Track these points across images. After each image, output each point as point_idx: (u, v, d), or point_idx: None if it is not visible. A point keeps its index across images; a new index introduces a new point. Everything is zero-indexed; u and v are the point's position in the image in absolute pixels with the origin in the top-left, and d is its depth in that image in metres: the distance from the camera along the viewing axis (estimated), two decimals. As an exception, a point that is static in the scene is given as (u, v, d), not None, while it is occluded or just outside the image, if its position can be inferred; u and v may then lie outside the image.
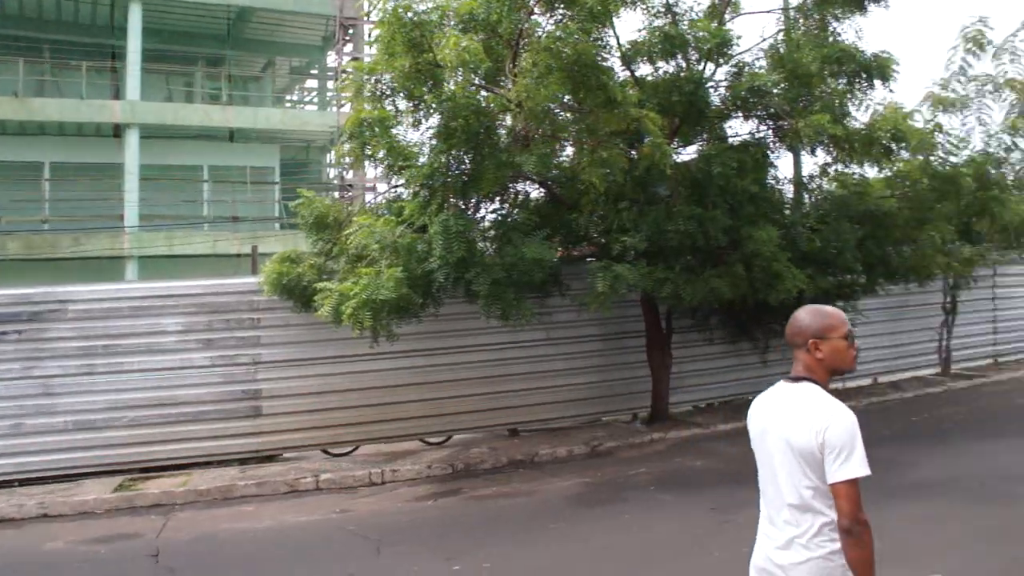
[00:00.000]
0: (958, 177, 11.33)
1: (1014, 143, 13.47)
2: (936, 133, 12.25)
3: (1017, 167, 14.05)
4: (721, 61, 10.82)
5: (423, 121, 9.51)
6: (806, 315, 3.07)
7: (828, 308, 3.13)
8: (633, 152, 9.97)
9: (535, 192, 11.23)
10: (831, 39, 11.20)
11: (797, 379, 3.03)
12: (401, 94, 9.57)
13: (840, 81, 11.11)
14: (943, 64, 14.23)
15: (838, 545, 2.85)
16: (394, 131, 9.34)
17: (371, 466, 9.85)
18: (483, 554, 6.69)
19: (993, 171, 13.08)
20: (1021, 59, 13.86)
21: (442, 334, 10.90)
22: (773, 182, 11.80)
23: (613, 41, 10.49)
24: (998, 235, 13.62)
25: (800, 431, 2.89)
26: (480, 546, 6.94)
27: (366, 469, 9.69)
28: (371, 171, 16.46)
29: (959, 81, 14.16)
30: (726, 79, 11.13)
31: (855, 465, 2.79)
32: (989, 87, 14.00)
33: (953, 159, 12.43)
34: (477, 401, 11.17)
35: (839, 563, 2.85)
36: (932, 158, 12.07)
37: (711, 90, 10.85)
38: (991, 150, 13.12)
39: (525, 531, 7.35)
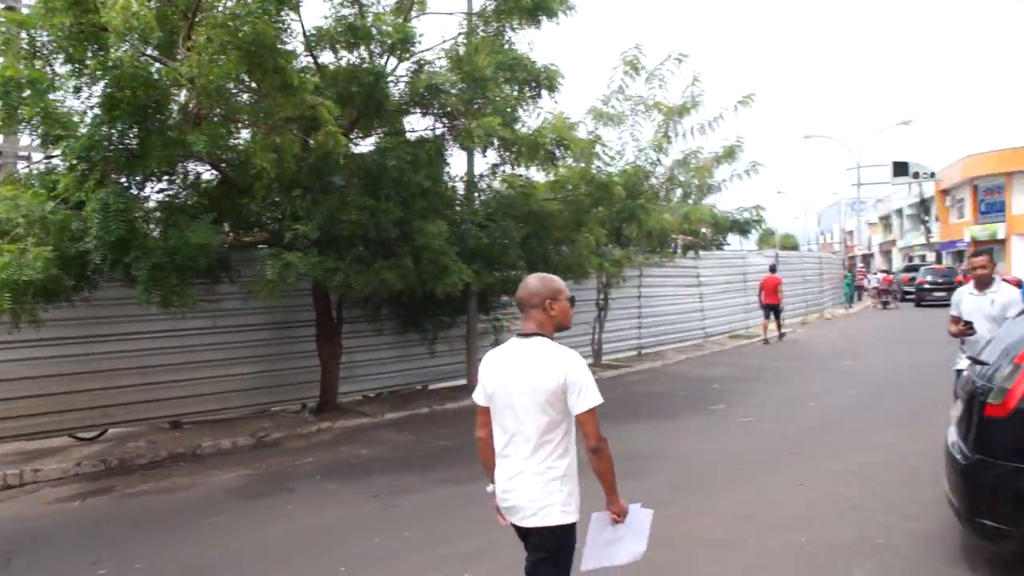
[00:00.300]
0: (612, 185, 12.35)
1: (659, 159, 14.96)
2: (596, 144, 13.30)
3: (661, 179, 15.62)
4: (404, 57, 11.03)
5: (85, 88, 8.79)
6: (538, 281, 3.67)
7: (552, 275, 3.76)
8: (310, 140, 9.90)
9: (207, 173, 10.79)
10: (507, 47, 11.80)
11: (529, 335, 3.61)
12: (61, 56, 8.78)
13: (513, 87, 11.75)
14: (606, 82, 15.38)
15: (560, 471, 3.56)
16: (51, 96, 8.52)
17: (7, 467, 8.95)
18: (134, 554, 6.32)
19: (643, 182, 14.45)
20: (667, 85, 15.35)
21: (97, 320, 10.15)
22: (446, 179, 12.24)
23: (297, 26, 10.35)
24: (644, 240, 15.06)
25: (543, 375, 3.48)
26: (131, 546, 6.54)
27: (1, 470, 8.78)
28: (26, 138, 14.88)
29: (618, 99, 15.35)
30: (407, 75, 11.36)
31: (593, 396, 3.49)
32: (642, 107, 15.39)
33: (609, 169, 13.55)
34: (136, 392, 10.51)
35: (559, 488, 3.55)
36: (591, 166, 13.09)
37: (391, 84, 11.00)
38: (641, 163, 14.46)
39: (183, 527, 7.03)
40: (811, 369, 16.15)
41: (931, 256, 61.28)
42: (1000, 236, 53.81)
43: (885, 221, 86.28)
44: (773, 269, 23.76)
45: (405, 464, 9.14)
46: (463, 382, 14.18)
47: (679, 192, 16.25)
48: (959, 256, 58.51)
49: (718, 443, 9.73)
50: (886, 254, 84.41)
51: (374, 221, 10.04)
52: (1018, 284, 8.08)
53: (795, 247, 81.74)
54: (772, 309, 22.34)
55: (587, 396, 3.48)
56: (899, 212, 77.09)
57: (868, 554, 5.76)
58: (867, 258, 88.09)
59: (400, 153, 10.24)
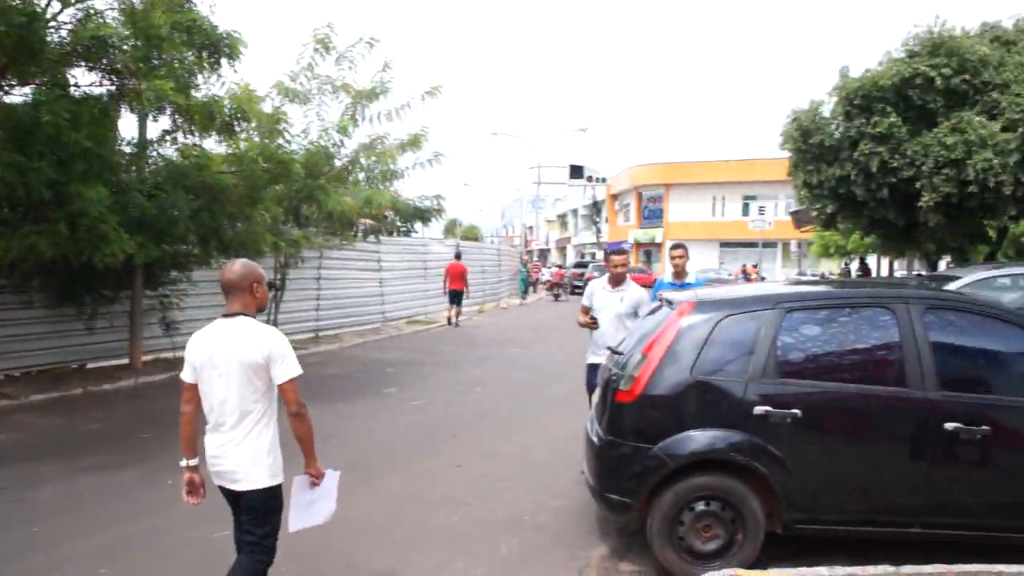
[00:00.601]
0: (290, 163, 12.05)
1: (342, 141, 14.82)
2: (280, 120, 12.93)
3: (344, 162, 15.49)
4: (69, 1, 10.04)
5: None
6: (243, 267, 4.06)
7: (252, 262, 4.16)
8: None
9: None
10: (187, 7, 11.13)
11: (234, 315, 3.99)
12: None
13: (191, 51, 11.08)
14: (296, 59, 14.98)
15: (267, 438, 4.01)
16: None
17: None
18: None
19: (325, 163, 14.25)
20: (357, 68, 15.24)
21: None
22: (113, 141, 11.30)
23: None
24: (325, 222, 14.87)
25: (248, 350, 3.88)
26: None
27: None
28: None
29: (307, 76, 15.05)
30: (72, 22, 10.36)
31: (293, 367, 3.96)
32: (329, 87, 15.20)
33: (292, 146, 13.25)
34: None
35: (266, 453, 4.00)
36: (274, 142, 12.71)
37: (52, 30, 9.99)
38: (324, 144, 14.25)
39: None
40: (483, 355, 16.82)
41: (600, 254, 66.38)
42: (658, 240, 59.50)
43: (562, 219, 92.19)
44: (458, 257, 24.57)
45: (46, 452, 8.32)
46: (125, 361, 13.24)
47: (363, 176, 16.21)
48: (624, 256, 63.64)
49: (387, 426, 9.85)
50: (562, 250, 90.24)
51: (23, 180, 9.04)
52: (652, 283, 8.99)
53: (479, 238, 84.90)
54: (456, 295, 23.31)
55: (288, 367, 3.94)
56: (575, 212, 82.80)
57: (516, 531, 6.11)
58: (544, 253, 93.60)
59: (57, 108, 9.28)
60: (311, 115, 14.85)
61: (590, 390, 7.24)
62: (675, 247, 8.47)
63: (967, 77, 18.26)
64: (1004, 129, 17.21)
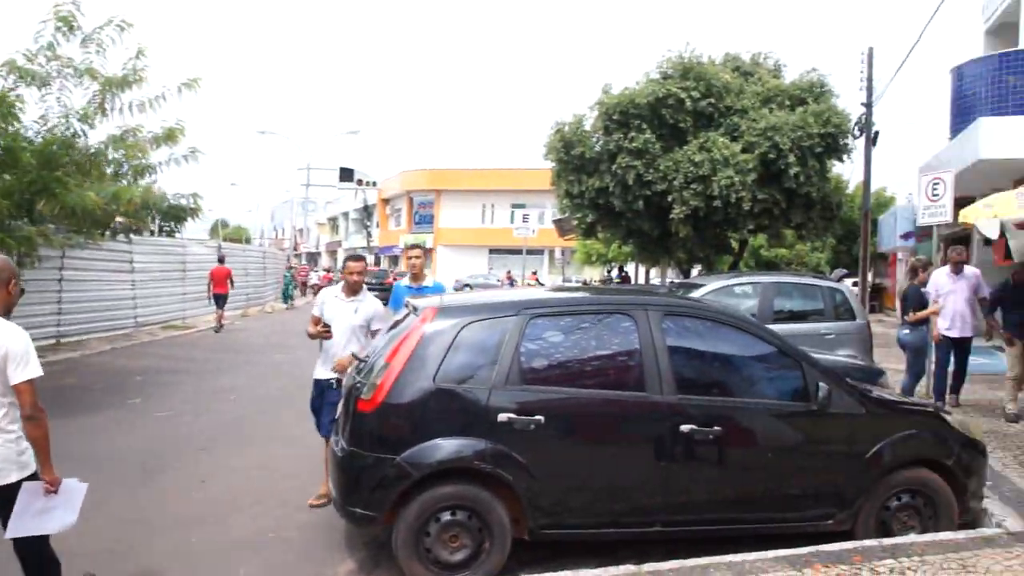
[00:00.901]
0: (18, 151, 10.95)
1: (84, 130, 13.65)
2: (11, 103, 11.73)
3: (88, 153, 14.25)
4: None
5: None
6: (3, 260, 4.04)
7: (7, 257, 4.14)
8: None
9: None
10: None
11: None
12: None
13: None
14: (34, 36, 13.59)
15: (15, 434, 3.90)
16: None
17: None
18: None
19: (65, 154, 13.05)
20: (106, 53, 14.08)
21: None
22: None
23: None
24: (67, 219, 13.63)
25: None
26: None
27: None
28: None
29: (46, 57, 13.75)
30: None
31: (32, 368, 3.86)
32: (72, 71, 13.95)
33: (28, 133, 12.08)
34: None
35: (16, 447, 3.90)
36: (7, 127, 11.52)
37: None
38: (63, 132, 13.09)
39: None
40: (241, 362, 16.15)
41: (371, 259, 66.01)
42: (429, 245, 59.99)
43: (333, 222, 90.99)
44: (222, 260, 23.75)
45: None
46: None
47: (111, 170, 15.04)
48: (395, 260, 63.93)
49: (127, 441, 9.17)
50: (332, 253, 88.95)
51: None
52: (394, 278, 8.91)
53: (248, 240, 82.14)
54: (220, 299, 22.56)
55: (26, 368, 3.81)
56: (346, 215, 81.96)
57: (258, 549, 5.82)
58: (315, 256, 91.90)
59: None
60: (50, 100, 13.60)
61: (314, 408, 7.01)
62: (411, 247, 8.24)
63: (713, 101, 19.75)
64: (744, 150, 18.74)
